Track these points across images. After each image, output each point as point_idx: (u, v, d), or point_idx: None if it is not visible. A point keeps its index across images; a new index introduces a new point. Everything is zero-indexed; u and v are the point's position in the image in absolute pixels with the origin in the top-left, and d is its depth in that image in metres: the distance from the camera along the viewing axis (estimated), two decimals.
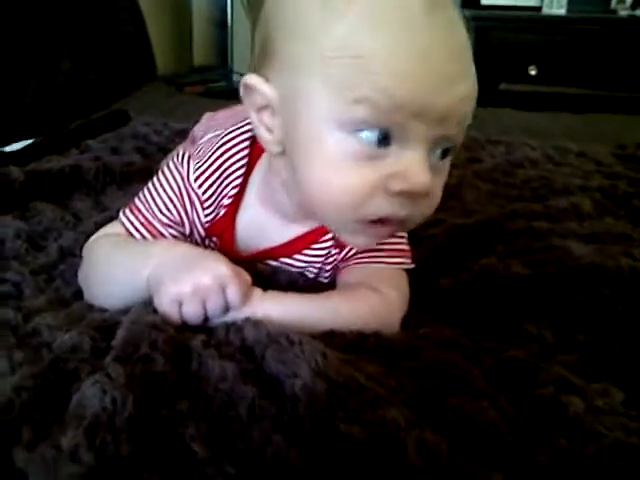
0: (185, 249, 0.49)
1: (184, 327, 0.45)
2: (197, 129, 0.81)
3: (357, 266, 0.53)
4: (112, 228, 0.54)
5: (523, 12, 2.38)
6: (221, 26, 2.18)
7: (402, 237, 0.55)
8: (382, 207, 0.43)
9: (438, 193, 0.45)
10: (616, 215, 0.74)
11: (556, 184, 0.84)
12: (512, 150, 1.02)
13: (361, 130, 0.41)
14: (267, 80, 0.45)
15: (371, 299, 0.49)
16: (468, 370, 0.42)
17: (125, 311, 0.47)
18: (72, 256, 0.60)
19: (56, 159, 0.90)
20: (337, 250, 0.54)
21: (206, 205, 0.52)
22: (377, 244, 0.52)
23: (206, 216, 0.53)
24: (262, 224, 0.54)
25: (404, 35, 0.40)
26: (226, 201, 0.53)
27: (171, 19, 2.25)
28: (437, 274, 0.57)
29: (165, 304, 0.44)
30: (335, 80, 0.41)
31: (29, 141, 0.98)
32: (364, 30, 0.40)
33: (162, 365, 0.39)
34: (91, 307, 0.51)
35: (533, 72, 2.30)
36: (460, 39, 0.43)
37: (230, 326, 0.44)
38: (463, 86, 0.42)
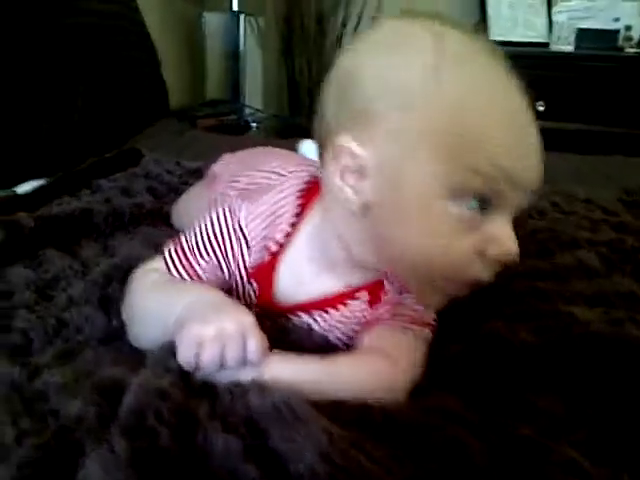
0: (216, 295, 0.50)
1: (191, 392, 0.45)
2: (218, 168, 0.82)
3: (380, 329, 0.53)
4: (155, 264, 0.55)
5: (531, 48, 2.41)
6: (234, 59, 2.21)
7: None
8: (480, 272, 0.46)
9: None
10: (623, 271, 0.74)
11: (563, 236, 0.84)
12: None
13: (467, 198, 0.43)
14: (360, 143, 0.45)
15: (381, 367, 0.49)
16: (473, 450, 0.41)
17: (134, 369, 0.47)
18: (79, 305, 0.60)
19: (67, 201, 0.91)
20: (369, 309, 0.54)
21: (252, 248, 0.53)
22: (406, 311, 0.53)
23: (251, 260, 0.54)
24: (303, 275, 0.54)
25: (507, 108, 0.44)
26: (273, 247, 0.54)
27: (185, 52, 2.29)
28: (446, 339, 0.57)
29: (186, 343, 0.44)
30: (448, 151, 0.42)
31: (41, 180, 0.99)
32: (474, 103, 0.43)
33: (167, 439, 0.39)
34: (98, 361, 0.51)
35: (541, 108, 2.32)
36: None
37: (235, 389, 0.44)
38: (541, 156, 0.45)
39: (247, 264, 0.54)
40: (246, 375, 0.45)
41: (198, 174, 1.10)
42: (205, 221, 0.55)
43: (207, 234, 0.54)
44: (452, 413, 0.46)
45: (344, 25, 2.58)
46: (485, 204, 0.44)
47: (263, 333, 0.47)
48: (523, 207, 0.46)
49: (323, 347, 0.54)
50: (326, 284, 0.54)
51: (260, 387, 0.44)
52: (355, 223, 0.48)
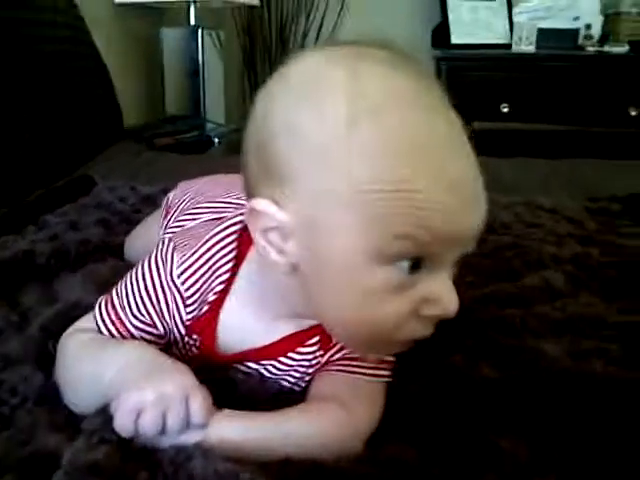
0: (151, 355, 0.47)
1: (129, 460, 0.42)
2: (172, 198, 0.78)
3: (335, 374, 0.51)
4: (86, 322, 0.52)
5: (493, 50, 2.42)
6: (193, 74, 2.17)
7: None
8: (416, 330, 0.43)
9: None
10: (590, 289, 0.72)
11: (529, 251, 0.82)
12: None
13: (395, 261, 0.39)
14: (277, 202, 0.41)
15: (335, 419, 0.46)
16: None
17: (70, 436, 0.44)
18: (15, 365, 0.55)
19: (12, 239, 0.86)
20: (322, 352, 0.51)
21: (189, 302, 0.50)
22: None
23: (188, 313, 0.50)
24: (246, 323, 0.51)
25: (439, 163, 0.39)
26: (210, 297, 0.50)
27: (144, 70, 2.24)
28: (405, 375, 0.54)
29: (124, 411, 0.41)
30: (371, 215, 0.38)
31: None
32: (399, 162, 0.38)
33: None
34: (34, 426, 0.47)
35: (505, 109, 2.32)
36: (468, 144, 0.41)
37: (179, 454, 0.41)
38: (485, 201, 0.41)
39: (184, 318, 0.50)
40: (190, 438, 0.43)
41: (152, 201, 1.06)
42: (136, 275, 0.51)
43: (139, 290, 0.50)
44: (409, 465, 0.43)
45: (305, 35, 2.56)
46: (418, 263, 0.40)
47: (208, 390, 0.44)
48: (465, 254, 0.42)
49: (276, 395, 0.51)
50: (271, 330, 0.51)
51: (204, 452, 0.42)
52: (285, 279, 0.45)
